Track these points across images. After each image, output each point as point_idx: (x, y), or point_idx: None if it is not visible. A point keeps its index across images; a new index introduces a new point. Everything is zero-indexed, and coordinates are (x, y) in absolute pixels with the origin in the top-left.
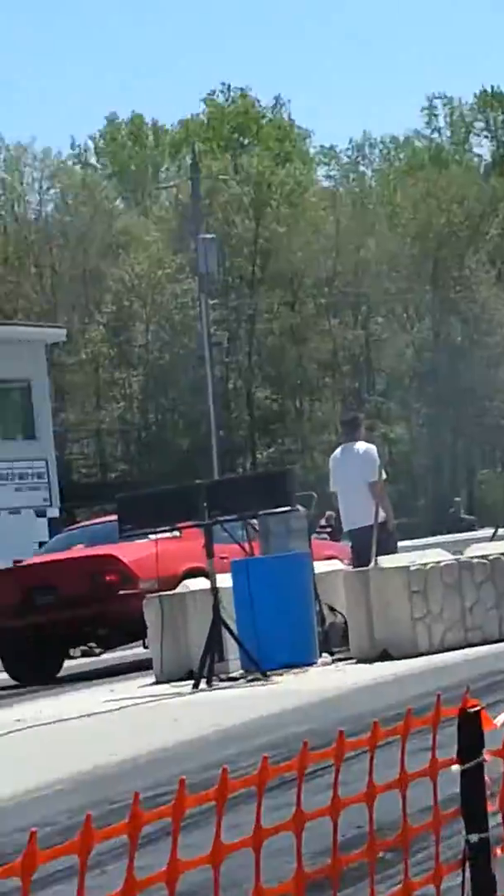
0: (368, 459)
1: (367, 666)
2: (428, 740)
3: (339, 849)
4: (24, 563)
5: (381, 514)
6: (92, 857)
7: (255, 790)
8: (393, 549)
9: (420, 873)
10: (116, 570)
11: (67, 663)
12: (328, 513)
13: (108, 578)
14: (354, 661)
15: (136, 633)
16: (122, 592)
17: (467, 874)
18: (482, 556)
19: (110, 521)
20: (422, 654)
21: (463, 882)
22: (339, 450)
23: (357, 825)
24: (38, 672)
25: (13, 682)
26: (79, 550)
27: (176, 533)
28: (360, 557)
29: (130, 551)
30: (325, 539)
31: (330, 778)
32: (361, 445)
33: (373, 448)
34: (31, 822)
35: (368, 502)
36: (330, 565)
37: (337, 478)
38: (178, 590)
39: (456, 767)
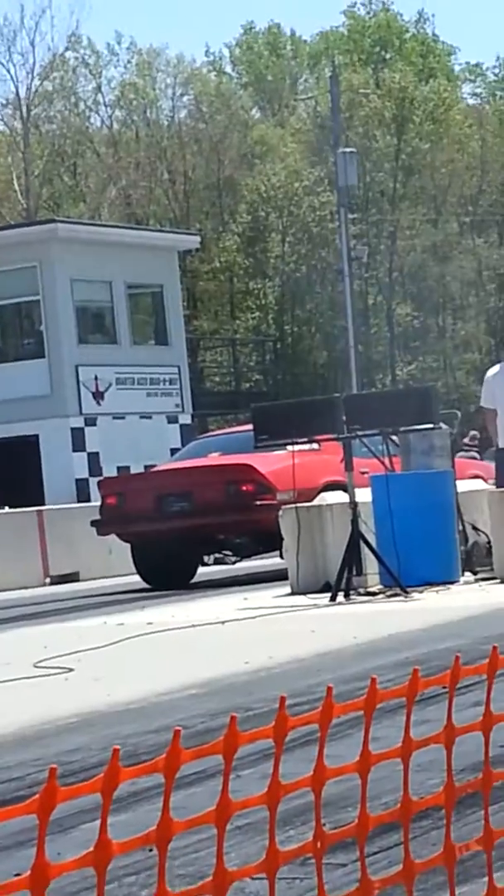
0: None
1: None
2: None
3: (487, 766)
4: (159, 469)
5: None
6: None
7: (398, 703)
8: None
9: None
10: (253, 479)
11: (201, 570)
12: (472, 432)
13: (244, 488)
14: (498, 581)
15: (272, 543)
16: (258, 502)
17: None
18: None
19: (247, 431)
20: None
21: None
22: (499, 367)
23: (500, 745)
24: (172, 578)
25: (146, 586)
26: (215, 458)
27: (315, 446)
28: None
29: (268, 461)
30: (475, 458)
31: (473, 697)
32: None
33: None
34: (163, 726)
35: None
36: (474, 484)
37: (499, 395)
38: (316, 502)
39: None
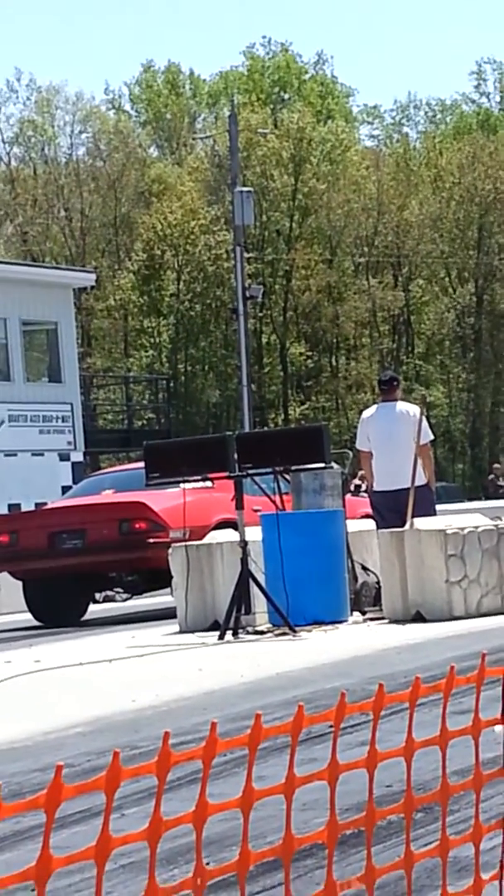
0: (417, 421)
1: (400, 627)
2: (463, 703)
3: (371, 804)
4: (52, 506)
5: (424, 476)
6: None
7: (284, 742)
8: (434, 512)
9: (453, 834)
10: (146, 517)
11: (91, 608)
12: (361, 472)
13: (137, 526)
14: (387, 621)
15: (164, 581)
16: (151, 540)
17: None
18: None
19: (139, 468)
20: (456, 618)
21: None
22: (374, 409)
23: (386, 784)
24: (63, 615)
25: (36, 624)
26: (108, 496)
27: (208, 483)
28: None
29: (161, 499)
30: (364, 497)
31: (360, 736)
32: (406, 406)
33: (417, 409)
34: (49, 764)
35: (417, 462)
36: (364, 524)
37: (376, 437)
38: (206, 540)
39: (500, 728)
